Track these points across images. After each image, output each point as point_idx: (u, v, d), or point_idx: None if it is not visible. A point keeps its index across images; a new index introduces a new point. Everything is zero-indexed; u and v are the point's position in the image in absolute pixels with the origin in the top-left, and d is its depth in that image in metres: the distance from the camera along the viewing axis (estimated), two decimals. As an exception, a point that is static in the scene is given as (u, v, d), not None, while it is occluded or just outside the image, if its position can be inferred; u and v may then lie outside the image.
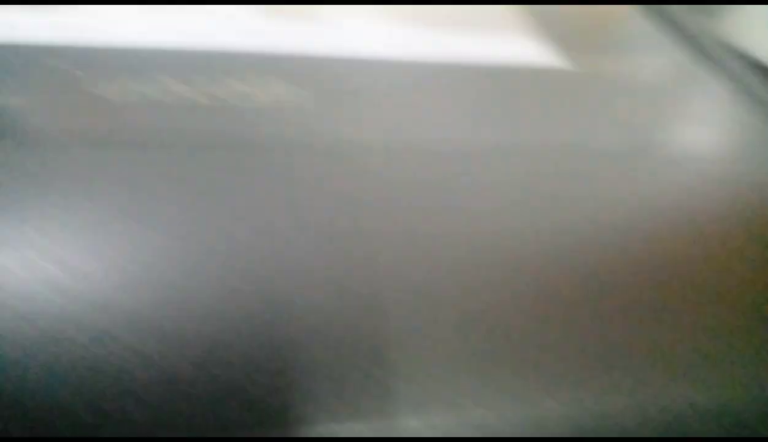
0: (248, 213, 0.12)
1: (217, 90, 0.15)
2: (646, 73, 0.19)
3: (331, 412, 0.10)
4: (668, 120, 0.17)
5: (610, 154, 0.15)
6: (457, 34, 0.19)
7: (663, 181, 0.15)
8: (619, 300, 0.12)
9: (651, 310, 0.11)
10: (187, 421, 0.09)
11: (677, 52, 0.21)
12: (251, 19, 0.19)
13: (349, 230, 0.12)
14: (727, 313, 0.12)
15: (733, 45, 0.25)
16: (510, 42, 0.19)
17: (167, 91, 0.15)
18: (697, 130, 0.17)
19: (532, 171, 0.14)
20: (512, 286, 0.12)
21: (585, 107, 0.17)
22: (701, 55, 0.21)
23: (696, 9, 0.27)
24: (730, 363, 0.11)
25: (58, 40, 0.16)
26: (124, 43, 0.16)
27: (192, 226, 0.12)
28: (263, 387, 0.10)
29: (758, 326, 0.11)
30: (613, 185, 0.14)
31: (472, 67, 0.17)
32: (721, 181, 0.15)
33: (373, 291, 0.11)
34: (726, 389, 0.11)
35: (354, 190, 0.13)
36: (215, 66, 0.16)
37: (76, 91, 0.15)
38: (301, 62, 0.17)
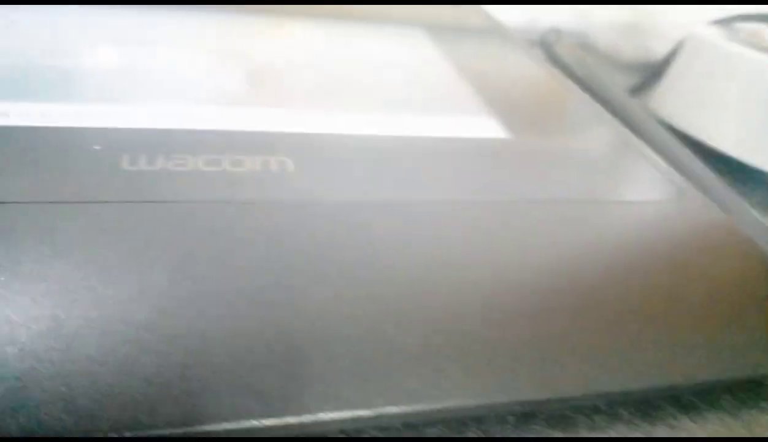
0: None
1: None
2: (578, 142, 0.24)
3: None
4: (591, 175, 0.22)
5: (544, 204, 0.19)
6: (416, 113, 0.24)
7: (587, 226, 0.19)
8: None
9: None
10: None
11: (605, 124, 0.25)
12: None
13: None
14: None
15: (659, 118, 0.31)
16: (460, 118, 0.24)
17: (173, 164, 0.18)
18: (614, 183, 0.22)
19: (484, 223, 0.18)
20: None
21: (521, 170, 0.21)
22: (626, 123, 0.26)
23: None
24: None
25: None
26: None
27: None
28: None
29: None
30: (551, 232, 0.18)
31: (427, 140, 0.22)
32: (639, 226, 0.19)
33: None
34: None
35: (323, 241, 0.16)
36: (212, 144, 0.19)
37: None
38: (281, 138, 0.20)
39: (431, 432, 0.14)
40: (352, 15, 0.32)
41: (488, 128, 0.23)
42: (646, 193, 0.21)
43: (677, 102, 0.32)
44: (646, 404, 0.15)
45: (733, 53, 0.29)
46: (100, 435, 0.11)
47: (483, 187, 0.20)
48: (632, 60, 0.40)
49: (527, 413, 0.15)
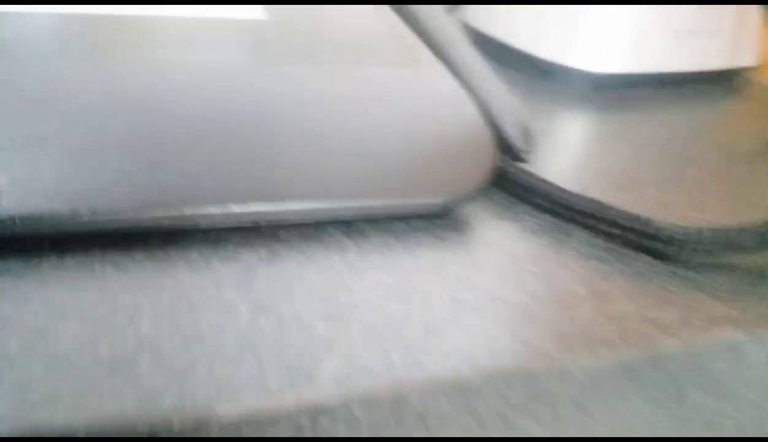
0: None
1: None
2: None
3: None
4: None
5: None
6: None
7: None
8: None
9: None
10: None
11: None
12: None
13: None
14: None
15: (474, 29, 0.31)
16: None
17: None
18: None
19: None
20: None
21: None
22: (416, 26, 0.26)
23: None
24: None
25: None
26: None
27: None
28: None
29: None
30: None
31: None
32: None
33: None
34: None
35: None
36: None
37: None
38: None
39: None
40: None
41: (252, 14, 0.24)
42: (390, 60, 0.22)
43: (481, 9, 0.32)
44: (315, 227, 0.16)
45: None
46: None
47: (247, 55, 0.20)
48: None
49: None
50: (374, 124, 0.18)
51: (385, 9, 0.28)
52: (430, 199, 0.17)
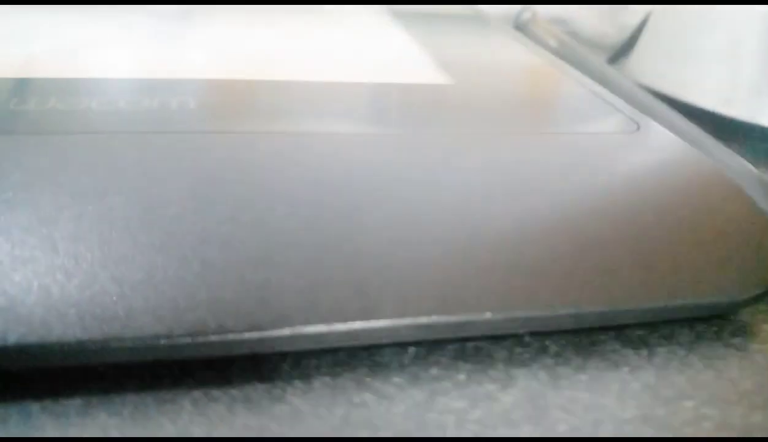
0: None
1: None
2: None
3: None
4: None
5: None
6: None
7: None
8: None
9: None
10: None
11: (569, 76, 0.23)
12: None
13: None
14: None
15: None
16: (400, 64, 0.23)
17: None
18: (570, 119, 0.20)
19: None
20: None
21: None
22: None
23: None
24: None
25: None
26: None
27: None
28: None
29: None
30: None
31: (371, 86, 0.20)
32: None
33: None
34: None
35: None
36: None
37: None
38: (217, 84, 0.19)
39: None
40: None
41: (434, 78, 0.21)
42: (607, 126, 0.19)
43: (653, 63, 0.29)
44: (580, 334, 0.13)
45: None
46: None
47: (430, 122, 0.18)
48: (616, 42, 0.38)
49: (432, 343, 0.12)
50: (628, 205, 0.15)
51: (560, 63, 0.25)
52: (718, 298, 0.14)
